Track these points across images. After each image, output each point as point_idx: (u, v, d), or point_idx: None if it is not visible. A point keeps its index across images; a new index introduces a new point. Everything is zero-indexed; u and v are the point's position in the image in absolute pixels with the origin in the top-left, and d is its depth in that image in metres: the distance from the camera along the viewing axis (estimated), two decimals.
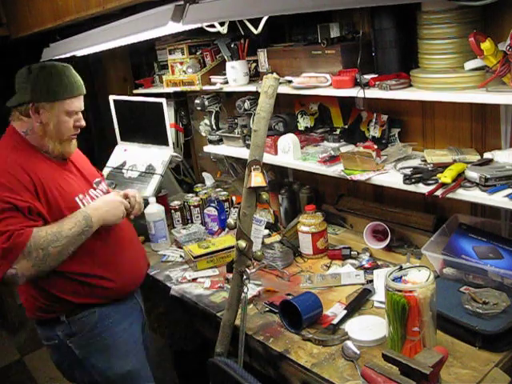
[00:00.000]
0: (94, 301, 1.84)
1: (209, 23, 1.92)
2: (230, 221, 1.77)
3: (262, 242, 2.31)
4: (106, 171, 2.93)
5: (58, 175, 1.81)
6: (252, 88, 2.39)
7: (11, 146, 1.78)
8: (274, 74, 1.78)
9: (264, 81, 1.74)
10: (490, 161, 1.76)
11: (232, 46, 2.49)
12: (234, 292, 1.77)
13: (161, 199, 2.81)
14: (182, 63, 2.74)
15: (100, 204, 1.83)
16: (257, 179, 1.72)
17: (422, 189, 1.76)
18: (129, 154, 2.97)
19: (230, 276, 2.19)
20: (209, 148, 2.83)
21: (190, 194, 2.96)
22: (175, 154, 2.91)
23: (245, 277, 1.75)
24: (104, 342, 1.86)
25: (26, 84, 1.76)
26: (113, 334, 1.88)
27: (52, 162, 1.83)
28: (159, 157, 2.83)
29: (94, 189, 1.94)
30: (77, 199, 1.81)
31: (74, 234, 1.70)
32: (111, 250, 1.88)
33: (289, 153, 2.27)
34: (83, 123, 1.87)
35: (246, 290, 1.75)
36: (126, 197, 1.96)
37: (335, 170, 2.08)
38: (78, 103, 1.84)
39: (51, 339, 1.86)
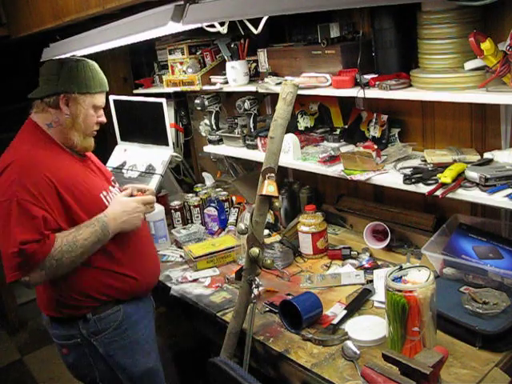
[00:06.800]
0: (120, 298, 1.83)
1: (209, 23, 1.92)
2: (241, 225, 1.74)
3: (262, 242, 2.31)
4: None
5: (81, 172, 1.81)
6: (252, 88, 2.39)
7: (32, 142, 1.74)
8: (294, 81, 1.74)
9: (282, 87, 1.70)
10: (490, 161, 1.76)
11: (232, 45, 2.49)
12: (243, 301, 1.74)
13: (161, 199, 2.81)
14: (182, 63, 2.74)
15: (119, 213, 1.77)
16: (270, 188, 1.69)
17: (422, 189, 1.76)
18: (129, 154, 2.97)
19: (229, 276, 2.20)
20: (209, 148, 2.83)
21: (190, 194, 2.96)
22: (175, 154, 2.91)
23: (253, 286, 1.74)
24: (128, 339, 1.85)
25: (56, 76, 1.75)
26: (136, 332, 1.87)
27: (75, 159, 1.82)
28: (159, 157, 2.82)
29: (113, 186, 1.95)
30: (101, 196, 1.80)
31: (89, 244, 1.68)
32: (134, 247, 1.87)
33: (289, 153, 2.26)
34: (104, 119, 1.89)
35: (254, 299, 1.74)
36: (141, 191, 1.94)
37: (335, 170, 2.08)
38: (104, 99, 1.87)
39: (72, 338, 1.80)
